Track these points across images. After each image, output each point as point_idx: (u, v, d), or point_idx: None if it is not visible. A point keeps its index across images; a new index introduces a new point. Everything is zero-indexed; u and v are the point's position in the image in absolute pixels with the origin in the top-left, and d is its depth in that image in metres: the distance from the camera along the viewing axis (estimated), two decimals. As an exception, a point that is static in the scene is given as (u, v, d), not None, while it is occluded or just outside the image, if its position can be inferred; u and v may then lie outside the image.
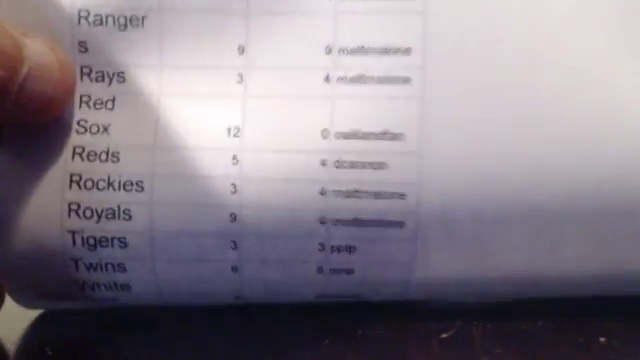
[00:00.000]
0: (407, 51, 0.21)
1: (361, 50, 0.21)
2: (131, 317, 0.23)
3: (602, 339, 0.20)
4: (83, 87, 0.21)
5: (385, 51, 0.21)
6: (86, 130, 0.21)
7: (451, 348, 0.20)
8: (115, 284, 0.22)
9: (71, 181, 0.21)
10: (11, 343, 0.22)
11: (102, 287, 0.22)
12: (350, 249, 0.21)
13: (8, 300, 0.22)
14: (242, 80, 0.21)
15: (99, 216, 0.21)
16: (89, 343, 0.22)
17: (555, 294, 0.22)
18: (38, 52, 0.20)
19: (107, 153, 0.21)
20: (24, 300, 0.23)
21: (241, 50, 0.21)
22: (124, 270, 0.21)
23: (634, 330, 0.21)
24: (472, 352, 0.20)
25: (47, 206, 0.21)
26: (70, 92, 0.21)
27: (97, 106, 0.21)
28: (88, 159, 0.21)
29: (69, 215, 0.21)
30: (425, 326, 0.21)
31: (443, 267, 0.22)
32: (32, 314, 0.23)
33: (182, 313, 0.23)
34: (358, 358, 0.20)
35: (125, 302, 0.22)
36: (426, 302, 0.23)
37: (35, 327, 0.23)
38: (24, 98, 0.19)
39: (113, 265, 0.21)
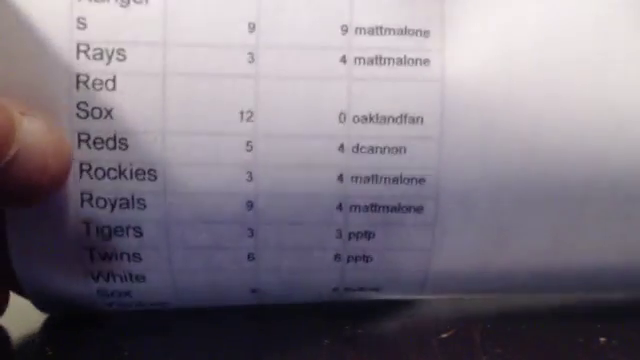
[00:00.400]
0: (426, 33, 0.21)
1: (379, 30, 0.21)
2: (131, 317, 0.23)
3: (602, 339, 0.20)
4: (79, 66, 0.20)
5: (404, 32, 0.21)
6: (88, 114, 0.20)
7: (451, 348, 0.20)
8: (130, 275, 0.21)
9: (81, 170, 0.20)
10: (11, 343, 0.22)
11: (117, 278, 0.21)
12: (368, 235, 0.21)
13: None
14: (253, 60, 0.20)
15: (113, 205, 0.21)
16: (89, 343, 0.22)
17: (574, 288, 0.22)
18: (33, 134, 0.18)
19: (114, 140, 0.20)
20: (40, 302, 0.22)
21: (252, 27, 0.21)
22: (139, 259, 0.21)
23: (634, 330, 0.21)
24: (472, 352, 0.20)
25: (60, 196, 0.20)
26: (60, 180, 0.20)
27: (97, 86, 0.20)
28: (95, 146, 0.20)
29: (82, 204, 0.21)
30: (425, 326, 0.21)
31: (463, 254, 0.21)
32: (32, 314, 0.23)
33: (182, 313, 0.23)
34: (358, 358, 0.20)
35: (139, 300, 0.22)
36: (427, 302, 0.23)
37: (35, 327, 0.23)
38: (6, 183, 0.18)
39: (128, 255, 0.21)
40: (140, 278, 0.21)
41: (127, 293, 0.22)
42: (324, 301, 0.23)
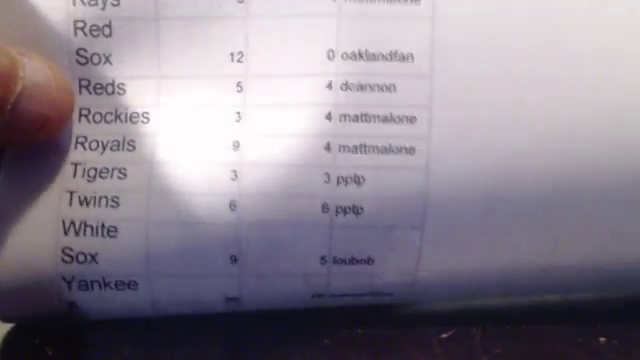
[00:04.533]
0: None
1: None
2: (131, 317, 0.22)
3: (602, 339, 0.20)
4: (77, 12, 0.21)
5: None
6: (87, 61, 0.21)
7: (451, 348, 0.20)
8: (102, 226, 0.20)
9: (80, 115, 0.21)
10: (11, 343, 0.22)
11: (88, 230, 0.20)
12: (358, 180, 0.21)
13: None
14: (243, 0, 0.21)
15: (104, 147, 0.21)
16: (89, 343, 0.22)
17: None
18: (34, 71, 0.19)
19: (112, 85, 0.21)
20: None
21: None
22: (117, 205, 0.21)
23: (634, 330, 0.21)
24: (472, 352, 0.20)
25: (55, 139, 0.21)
26: (67, 113, 0.20)
27: (94, 33, 0.21)
28: (95, 92, 0.21)
29: (75, 147, 0.21)
30: (425, 326, 0.21)
31: (458, 201, 0.21)
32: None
33: (182, 313, 0.23)
34: (358, 358, 0.20)
35: (105, 271, 0.21)
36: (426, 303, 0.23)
37: (35, 327, 0.23)
38: (17, 117, 0.19)
39: (107, 199, 0.21)
40: (112, 232, 0.20)
41: (93, 257, 0.21)
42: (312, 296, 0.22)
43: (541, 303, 0.23)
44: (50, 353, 0.20)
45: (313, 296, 0.22)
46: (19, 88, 0.19)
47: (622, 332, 0.21)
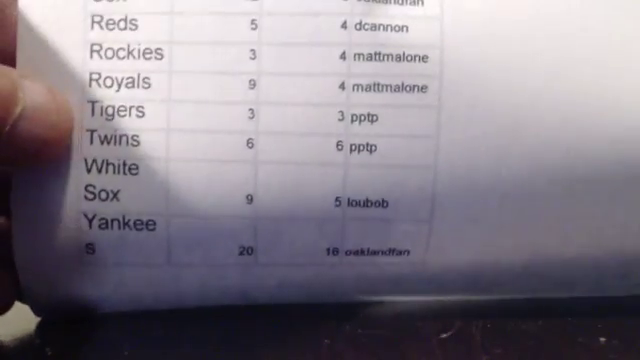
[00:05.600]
0: None
1: None
2: (131, 317, 0.23)
3: (602, 339, 0.20)
4: None
5: None
6: None
7: (451, 348, 0.20)
8: (124, 164, 0.21)
9: (92, 51, 0.21)
10: (11, 343, 0.22)
11: (110, 168, 0.21)
12: (371, 118, 0.21)
13: (8, 300, 0.22)
14: None
15: (119, 85, 0.21)
16: (89, 343, 0.22)
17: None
18: (34, 93, 0.20)
19: (125, 20, 0.21)
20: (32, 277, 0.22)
21: None
22: (137, 143, 0.21)
23: (634, 330, 0.21)
24: (472, 352, 0.20)
25: (68, 76, 0.21)
26: (66, 136, 0.21)
27: None
28: (107, 27, 0.21)
29: (90, 84, 0.21)
30: (425, 326, 0.21)
31: (470, 138, 0.21)
32: (32, 314, 0.23)
33: (182, 313, 0.23)
34: (358, 358, 0.20)
35: (127, 209, 0.21)
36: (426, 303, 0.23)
37: (35, 327, 0.23)
38: (16, 139, 0.19)
39: (127, 137, 0.21)
40: (133, 169, 0.21)
41: (115, 195, 0.21)
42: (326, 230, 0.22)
43: (541, 303, 0.23)
44: (50, 353, 0.20)
45: (328, 252, 0.22)
46: (19, 110, 0.19)
47: (622, 332, 0.21)
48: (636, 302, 0.23)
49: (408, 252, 0.22)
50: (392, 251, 0.22)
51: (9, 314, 0.22)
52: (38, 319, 0.23)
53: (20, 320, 0.23)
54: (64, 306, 0.22)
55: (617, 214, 0.22)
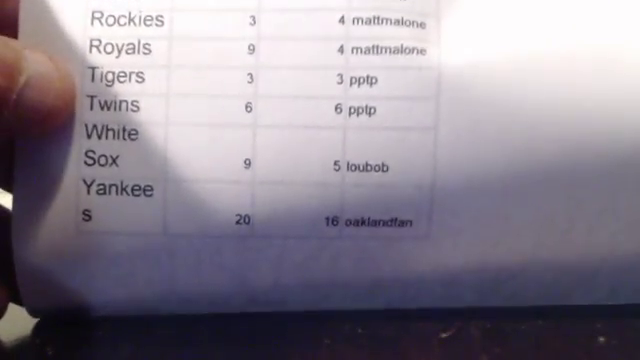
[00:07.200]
0: None
1: None
2: (131, 317, 0.23)
3: (602, 339, 0.20)
4: None
5: None
6: None
7: (451, 348, 0.20)
8: (124, 129, 0.21)
9: (93, 18, 0.21)
10: (11, 343, 0.22)
11: (110, 134, 0.21)
12: (371, 80, 0.21)
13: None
14: None
15: (119, 51, 0.21)
16: (89, 343, 0.22)
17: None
18: (37, 62, 0.20)
19: None
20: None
21: None
22: (137, 108, 0.21)
23: (634, 330, 0.21)
24: (472, 352, 0.20)
25: (69, 43, 0.21)
26: (70, 103, 0.21)
27: None
28: None
29: (90, 51, 0.21)
30: (425, 326, 0.21)
31: (471, 98, 0.21)
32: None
33: (181, 315, 0.23)
34: (358, 358, 0.20)
35: (125, 174, 0.21)
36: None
37: (35, 327, 0.23)
38: (23, 108, 0.19)
39: (127, 102, 0.21)
40: (133, 134, 0.21)
41: (114, 160, 0.21)
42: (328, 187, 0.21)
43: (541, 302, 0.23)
44: (50, 353, 0.20)
45: (327, 221, 0.21)
46: (23, 79, 0.19)
47: (622, 332, 0.21)
48: (636, 302, 0.23)
49: (411, 223, 0.22)
50: (394, 221, 0.22)
51: (9, 314, 0.22)
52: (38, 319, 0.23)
53: (20, 320, 0.23)
54: (58, 295, 0.22)
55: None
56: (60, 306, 0.22)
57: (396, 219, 0.22)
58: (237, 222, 0.21)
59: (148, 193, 0.21)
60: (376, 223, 0.22)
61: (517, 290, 0.22)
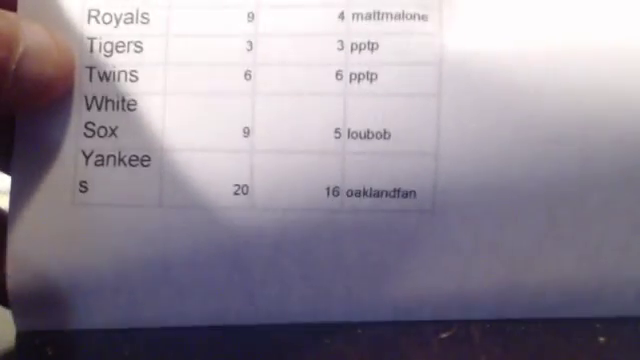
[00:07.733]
0: None
1: None
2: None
3: (602, 339, 0.20)
4: None
5: None
6: None
7: (451, 348, 0.20)
8: (123, 100, 0.21)
9: None
10: (11, 343, 0.22)
11: (109, 105, 0.21)
12: (372, 46, 0.21)
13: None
14: None
15: (117, 21, 0.21)
16: (89, 343, 0.22)
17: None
18: (34, 32, 0.20)
19: None
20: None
21: None
22: (135, 78, 0.21)
23: (634, 330, 0.21)
24: (472, 352, 0.20)
25: (67, 14, 0.21)
26: (70, 75, 0.21)
27: None
28: None
29: (88, 21, 0.21)
30: (425, 326, 0.21)
31: (475, 63, 0.21)
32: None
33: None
34: (358, 358, 0.20)
35: (123, 144, 0.21)
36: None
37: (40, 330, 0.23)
38: (22, 79, 0.19)
39: (126, 73, 0.21)
40: (131, 104, 0.21)
41: (113, 131, 0.21)
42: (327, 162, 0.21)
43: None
44: (50, 353, 0.21)
45: (328, 192, 0.21)
46: (21, 49, 0.19)
47: (622, 332, 0.21)
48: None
49: (414, 194, 0.21)
50: (397, 192, 0.21)
51: (9, 314, 0.22)
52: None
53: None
54: (47, 272, 0.21)
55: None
56: (48, 284, 0.21)
57: (399, 190, 0.21)
58: (235, 193, 0.21)
59: (145, 163, 0.21)
60: (378, 194, 0.21)
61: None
